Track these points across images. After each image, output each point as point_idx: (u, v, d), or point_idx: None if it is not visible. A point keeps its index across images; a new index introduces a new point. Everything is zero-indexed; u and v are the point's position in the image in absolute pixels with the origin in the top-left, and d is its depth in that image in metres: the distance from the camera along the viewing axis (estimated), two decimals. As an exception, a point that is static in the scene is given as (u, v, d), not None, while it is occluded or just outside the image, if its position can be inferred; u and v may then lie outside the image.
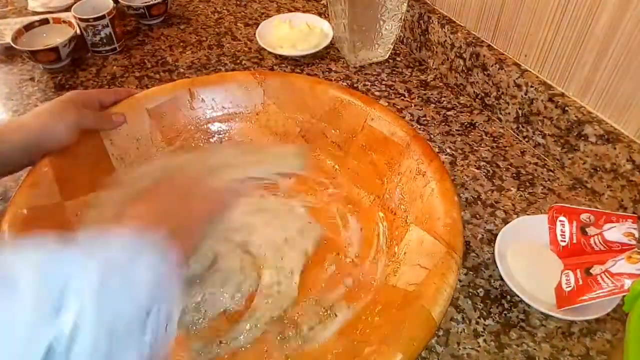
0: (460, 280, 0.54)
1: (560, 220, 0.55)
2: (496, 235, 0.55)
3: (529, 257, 0.55)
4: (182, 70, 0.85)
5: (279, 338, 0.46)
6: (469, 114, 0.76)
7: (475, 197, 0.63)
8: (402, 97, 0.79)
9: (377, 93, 0.79)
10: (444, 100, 0.78)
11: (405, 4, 0.78)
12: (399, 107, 0.77)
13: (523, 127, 0.70)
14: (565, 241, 0.54)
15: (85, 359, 0.27)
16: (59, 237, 0.31)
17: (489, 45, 0.74)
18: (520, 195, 0.63)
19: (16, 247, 0.30)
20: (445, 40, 0.79)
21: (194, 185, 0.47)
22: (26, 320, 0.25)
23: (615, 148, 0.58)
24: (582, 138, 0.62)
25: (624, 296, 0.45)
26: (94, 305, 0.28)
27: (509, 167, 0.67)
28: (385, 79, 0.82)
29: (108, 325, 0.28)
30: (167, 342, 0.33)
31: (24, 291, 0.26)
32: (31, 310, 0.26)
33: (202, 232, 0.44)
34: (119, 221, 0.38)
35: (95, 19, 0.84)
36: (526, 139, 0.70)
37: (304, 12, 0.97)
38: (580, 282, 0.49)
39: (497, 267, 0.53)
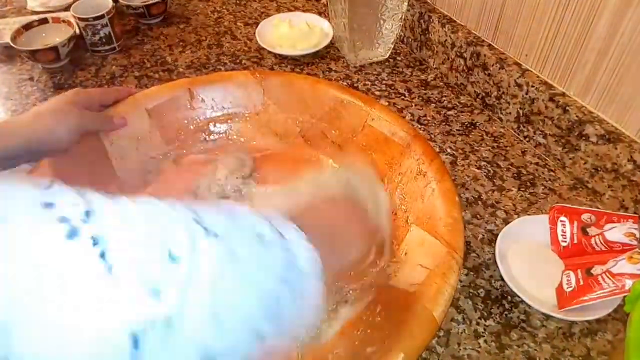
0: (460, 281, 0.54)
1: (561, 221, 0.55)
2: (497, 235, 0.55)
3: (529, 257, 0.54)
4: (181, 69, 0.85)
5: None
6: (469, 114, 0.75)
7: (476, 197, 0.63)
8: (403, 97, 0.78)
9: (377, 93, 0.79)
10: (444, 100, 0.78)
11: (406, 3, 0.78)
12: (399, 107, 0.76)
13: (524, 126, 0.70)
14: (566, 241, 0.54)
15: (176, 353, 0.24)
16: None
17: (489, 45, 0.73)
18: (521, 195, 0.63)
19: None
20: (446, 40, 0.79)
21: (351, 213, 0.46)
22: (111, 294, 0.23)
23: (616, 148, 0.58)
24: (583, 138, 0.62)
25: (624, 296, 0.45)
26: (196, 291, 0.25)
27: (510, 167, 0.67)
28: (386, 78, 0.82)
29: (212, 318, 0.26)
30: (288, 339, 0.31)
31: (116, 259, 0.24)
32: (119, 283, 0.23)
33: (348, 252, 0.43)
34: None
35: (95, 19, 0.84)
36: (527, 139, 0.70)
37: (303, 11, 0.97)
38: (581, 283, 0.49)
39: (497, 267, 0.53)
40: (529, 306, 0.51)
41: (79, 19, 0.84)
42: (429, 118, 0.75)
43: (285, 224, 0.32)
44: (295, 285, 0.30)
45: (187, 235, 0.26)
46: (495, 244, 0.54)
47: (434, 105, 0.77)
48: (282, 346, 0.30)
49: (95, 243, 0.23)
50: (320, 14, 0.96)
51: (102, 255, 0.23)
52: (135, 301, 0.23)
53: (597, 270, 0.49)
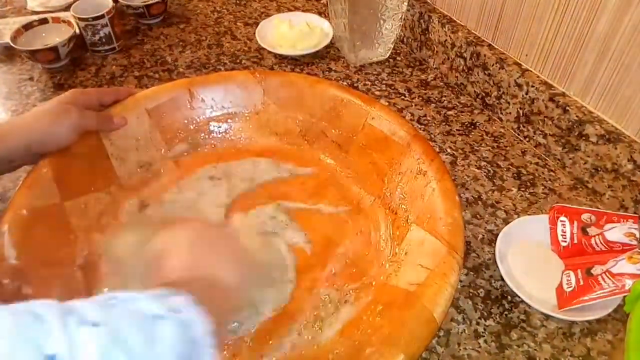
0: (460, 281, 0.53)
1: (561, 221, 0.55)
2: (497, 235, 0.55)
3: (529, 257, 0.54)
4: (181, 69, 0.85)
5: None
6: (469, 114, 0.75)
7: (476, 197, 0.63)
8: (403, 97, 0.78)
9: (377, 92, 0.79)
10: (444, 100, 0.78)
11: (406, 3, 0.78)
12: (399, 107, 0.76)
13: (524, 126, 0.70)
14: (566, 241, 0.54)
15: None
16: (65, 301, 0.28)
17: (489, 45, 0.73)
18: (521, 195, 0.63)
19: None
20: (446, 40, 0.79)
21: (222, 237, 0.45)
22: None
23: (616, 148, 0.58)
24: (583, 138, 0.62)
25: (624, 296, 0.45)
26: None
27: (510, 167, 0.67)
28: (386, 78, 0.82)
29: None
30: None
31: None
32: None
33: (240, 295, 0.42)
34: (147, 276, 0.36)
35: (95, 19, 0.84)
36: (527, 139, 0.70)
37: (303, 11, 0.97)
38: (581, 283, 0.49)
39: (497, 267, 0.53)
40: (529, 306, 0.51)
41: (79, 19, 0.84)
42: (429, 118, 0.75)
43: (174, 296, 0.32)
44: (192, 356, 0.30)
45: (60, 329, 0.25)
46: (495, 244, 0.55)
47: (434, 105, 0.77)
48: None
49: None
50: (320, 14, 0.96)
51: None
52: None
53: (597, 270, 0.49)
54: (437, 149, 0.69)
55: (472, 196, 0.63)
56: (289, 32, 0.87)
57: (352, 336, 0.45)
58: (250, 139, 0.65)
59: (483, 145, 0.70)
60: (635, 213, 0.58)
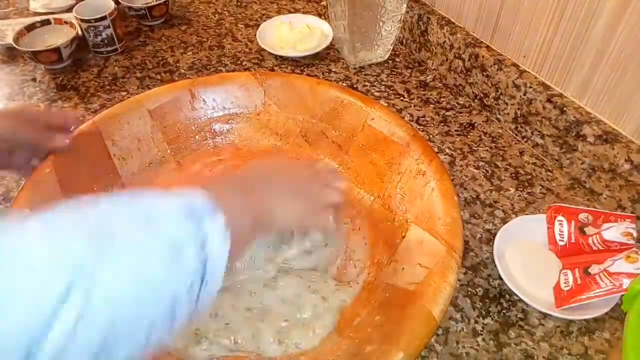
0: (459, 280, 0.54)
1: (558, 220, 0.55)
2: (495, 234, 0.56)
3: (527, 256, 0.55)
4: (183, 70, 0.86)
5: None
6: (468, 115, 0.76)
7: (474, 196, 0.64)
8: (402, 98, 0.79)
9: (376, 94, 0.80)
10: (443, 101, 0.79)
11: (405, 5, 0.79)
12: (398, 108, 0.77)
13: (522, 127, 0.70)
14: (563, 241, 0.54)
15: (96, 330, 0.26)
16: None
17: (487, 46, 0.74)
18: (519, 195, 0.64)
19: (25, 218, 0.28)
20: (445, 41, 0.79)
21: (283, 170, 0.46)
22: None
23: (613, 148, 0.58)
24: (581, 138, 0.62)
25: (622, 295, 0.45)
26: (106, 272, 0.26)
27: (508, 167, 0.68)
28: (385, 79, 0.83)
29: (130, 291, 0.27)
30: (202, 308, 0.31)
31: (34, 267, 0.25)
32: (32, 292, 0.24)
33: (285, 205, 0.42)
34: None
35: (97, 20, 0.84)
36: (525, 139, 0.71)
37: (304, 13, 0.98)
38: (579, 282, 0.50)
39: (495, 266, 0.53)
40: (527, 305, 0.51)
41: (82, 20, 0.85)
42: (427, 119, 0.75)
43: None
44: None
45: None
46: (493, 243, 0.55)
47: (432, 106, 0.78)
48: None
49: None
50: (320, 16, 0.96)
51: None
52: (28, 325, 0.24)
53: (594, 269, 0.49)
54: (436, 150, 0.69)
55: (471, 196, 0.64)
56: (290, 34, 0.88)
57: (352, 335, 0.45)
58: (251, 140, 0.66)
59: (481, 145, 0.71)
60: (632, 213, 0.58)
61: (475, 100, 0.77)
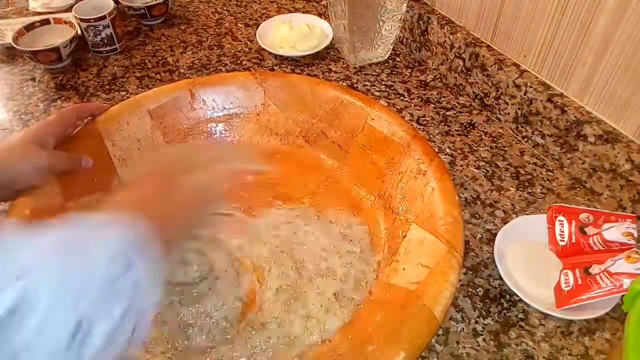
0: (459, 280, 0.54)
1: (559, 220, 0.55)
2: (495, 234, 0.56)
3: (528, 256, 0.55)
4: (182, 70, 0.85)
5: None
6: (468, 114, 0.76)
7: (475, 196, 0.64)
8: (402, 98, 0.79)
9: (376, 93, 0.80)
10: (443, 101, 0.78)
11: (405, 5, 0.79)
12: (398, 107, 0.77)
13: (522, 127, 0.70)
14: (564, 241, 0.54)
15: (41, 333, 0.27)
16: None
17: (488, 46, 0.74)
18: (520, 195, 0.64)
19: None
20: (445, 41, 0.79)
21: (181, 175, 0.45)
22: None
23: (614, 148, 0.58)
24: (581, 138, 0.62)
25: (623, 295, 0.45)
26: (44, 281, 0.27)
27: (508, 167, 0.67)
28: (385, 79, 0.83)
29: (65, 298, 0.28)
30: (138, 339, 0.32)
31: None
32: None
33: (185, 220, 0.43)
34: (98, 208, 0.37)
35: (96, 20, 0.84)
36: (525, 139, 0.71)
37: (304, 12, 0.98)
38: (579, 282, 0.49)
39: (496, 266, 0.53)
40: (528, 305, 0.51)
41: (81, 19, 0.84)
42: (428, 118, 0.75)
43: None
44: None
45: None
46: (493, 243, 0.55)
47: (433, 105, 0.78)
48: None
49: None
50: (320, 15, 0.96)
51: None
52: None
53: (595, 269, 0.49)
54: (436, 149, 0.69)
55: (471, 196, 0.64)
56: (290, 34, 0.88)
57: (354, 335, 0.45)
58: (251, 140, 0.66)
59: (482, 145, 0.71)
60: (633, 213, 0.58)
61: (476, 100, 0.77)
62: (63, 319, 0.27)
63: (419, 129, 0.73)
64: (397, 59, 0.87)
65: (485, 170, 0.67)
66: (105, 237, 0.32)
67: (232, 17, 1.00)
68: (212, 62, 0.87)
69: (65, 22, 0.88)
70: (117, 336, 0.30)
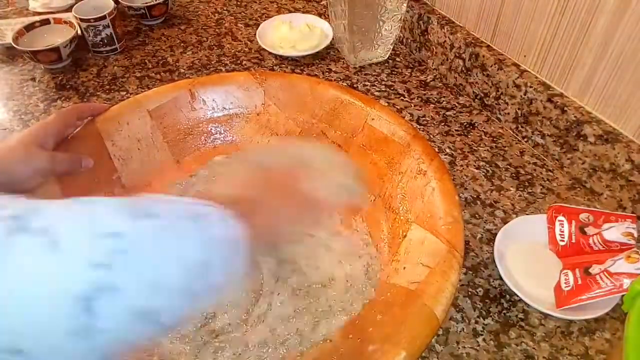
0: (459, 280, 0.54)
1: (559, 220, 0.55)
2: (495, 234, 0.56)
3: (528, 256, 0.55)
4: (182, 70, 0.85)
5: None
6: (468, 114, 0.76)
7: (475, 196, 0.64)
8: (402, 98, 0.79)
9: (376, 93, 0.80)
10: (443, 101, 0.79)
11: (405, 5, 0.79)
12: (398, 107, 0.77)
13: (522, 127, 0.70)
14: (564, 241, 0.54)
15: (124, 312, 0.27)
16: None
17: (488, 46, 0.74)
18: (520, 195, 0.64)
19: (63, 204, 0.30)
20: (445, 41, 0.79)
21: (292, 184, 0.45)
22: (58, 267, 0.26)
23: (614, 148, 0.58)
24: (581, 138, 0.62)
25: (623, 295, 0.45)
26: (134, 260, 0.28)
27: (508, 167, 0.68)
28: (385, 79, 0.83)
29: (150, 281, 0.28)
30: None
31: (63, 239, 0.26)
32: (65, 258, 0.26)
33: (287, 224, 0.43)
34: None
35: (96, 20, 0.84)
36: (525, 139, 0.71)
37: (304, 12, 0.98)
38: (579, 282, 0.50)
39: (496, 266, 0.53)
40: (528, 305, 0.51)
41: (81, 19, 0.84)
42: (428, 118, 0.75)
43: (198, 203, 0.35)
44: (214, 251, 0.33)
45: (120, 217, 0.30)
46: (493, 243, 0.55)
47: (433, 105, 0.78)
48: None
49: (29, 225, 0.26)
50: (320, 15, 0.96)
51: (44, 231, 0.26)
52: (82, 270, 0.26)
53: (595, 269, 0.49)
54: (436, 149, 0.69)
55: (471, 196, 0.64)
56: (290, 34, 0.88)
57: (354, 334, 0.45)
58: (251, 140, 0.66)
59: (482, 145, 0.71)
60: (633, 213, 0.58)
61: (476, 100, 0.77)
62: (135, 300, 0.28)
63: (419, 129, 0.73)
64: (397, 59, 0.87)
65: (485, 170, 0.67)
66: (201, 233, 0.32)
67: (232, 17, 1.00)
68: (212, 62, 0.87)
69: (65, 22, 0.88)
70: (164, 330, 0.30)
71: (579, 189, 0.64)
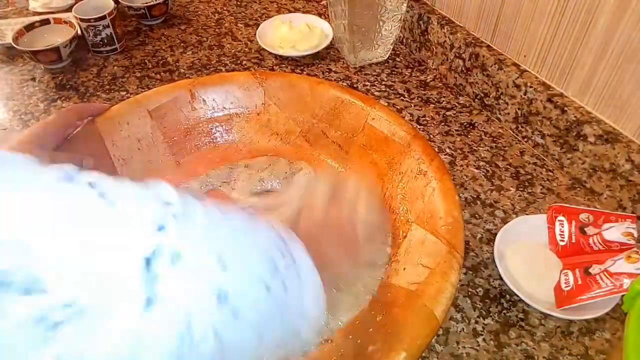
0: (459, 280, 0.54)
1: (559, 220, 0.55)
2: (495, 234, 0.56)
3: (528, 256, 0.55)
4: (182, 70, 0.85)
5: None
6: (468, 114, 0.76)
7: (475, 196, 0.64)
8: (402, 98, 0.79)
9: (377, 93, 0.80)
10: (443, 101, 0.79)
11: (405, 5, 0.79)
12: (398, 107, 0.77)
13: (522, 127, 0.70)
14: (564, 241, 0.54)
15: (189, 278, 0.26)
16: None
17: (488, 46, 0.74)
18: (520, 195, 0.64)
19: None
20: (445, 41, 0.79)
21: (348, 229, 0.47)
22: (123, 229, 0.25)
23: (614, 148, 0.58)
24: (581, 138, 0.62)
25: (623, 295, 0.45)
26: (202, 231, 0.27)
27: (508, 167, 0.68)
28: (385, 79, 0.83)
29: (217, 253, 0.27)
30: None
31: (127, 202, 0.26)
32: (130, 220, 0.25)
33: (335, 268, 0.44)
34: None
35: (96, 20, 0.84)
36: (525, 139, 0.71)
37: (304, 12, 0.98)
38: (579, 282, 0.50)
39: (496, 266, 0.53)
40: (528, 305, 0.51)
41: (81, 19, 0.84)
42: (428, 118, 0.75)
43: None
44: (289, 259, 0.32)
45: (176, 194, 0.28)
46: (493, 243, 0.55)
47: (433, 105, 0.78)
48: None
49: (92, 186, 0.26)
50: (320, 15, 0.96)
51: (102, 195, 0.25)
52: (142, 229, 0.25)
53: (595, 269, 0.50)
54: (436, 149, 0.69)
55: (471, 196, 0.64)
56: (290, 33, 0.88)
57: (354, 335, 0.45)
58: (251, 140, 0.66)
59: (482, 145, 0.71)
60: (633, 213, 0.58)
61: (476, 100, 0.77)
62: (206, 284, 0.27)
63: (419, 129, 0.73)
64: (397, 59, 0.87)
65: (485, 170, 0.67)
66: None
67: (232, 17, 1.00)
68: (212, 62, 0.87)
69: (65, 22, 0.88)
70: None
71: (579, 189, 0.64)
